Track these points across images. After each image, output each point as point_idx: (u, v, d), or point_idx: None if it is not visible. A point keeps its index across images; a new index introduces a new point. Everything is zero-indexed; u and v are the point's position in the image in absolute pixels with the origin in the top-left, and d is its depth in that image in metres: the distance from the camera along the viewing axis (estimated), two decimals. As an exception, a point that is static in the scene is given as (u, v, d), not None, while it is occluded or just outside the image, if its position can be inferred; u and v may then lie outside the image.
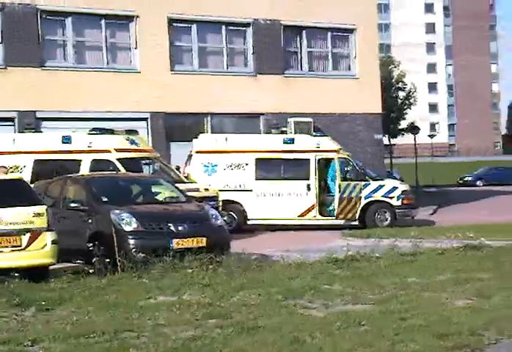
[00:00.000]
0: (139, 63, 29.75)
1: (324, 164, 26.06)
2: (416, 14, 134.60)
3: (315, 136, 26.69)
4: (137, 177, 18.11)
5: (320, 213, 25.52)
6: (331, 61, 33.56)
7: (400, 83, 59.23)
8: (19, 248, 13.09)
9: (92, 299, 10.92)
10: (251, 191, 25.46)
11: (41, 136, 23.83)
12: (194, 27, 30.96)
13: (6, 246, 13.02)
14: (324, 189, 26.02)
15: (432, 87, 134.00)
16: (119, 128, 23.78)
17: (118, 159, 21.96)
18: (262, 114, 31.70)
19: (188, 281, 12.17)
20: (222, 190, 24.20)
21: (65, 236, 14.16)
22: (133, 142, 22.92)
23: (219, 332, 8.85)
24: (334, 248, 15.18)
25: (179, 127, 30.19)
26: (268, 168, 25.70)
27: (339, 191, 25.33)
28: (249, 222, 25.52)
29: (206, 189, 22.40)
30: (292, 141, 26.06)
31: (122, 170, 21.03)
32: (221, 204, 22.24)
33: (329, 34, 33.45)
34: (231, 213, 24.65)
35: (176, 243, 14.04)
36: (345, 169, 25.72)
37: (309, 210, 25.44)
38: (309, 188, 25.46)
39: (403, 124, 59.16)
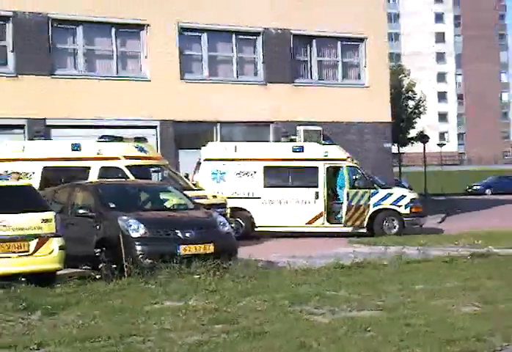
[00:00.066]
0: (149, 71, 29.82)
1: (333, 172, 26.07)
2: (426, 23, 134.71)
3: (323, 144, 26.72)
4: (145, 184, 18.15)
5: (328, 221, 25.53)
6: (340, 70, 33.59)
7: (410, 92, 59.21)
8: (26, 253, 13.12)
9: (98, 304, 10.95)
10: (259, 198, 25.48)
11: (50, 144, 23.93)
12: (205, 36, 31.03)
13: (14, 252, 13.05)
14: (332, 197, 26.02)
15: (442, 96, 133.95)
16: (129, 136, 23.84)
17: (127, 166, 22.02)
18: (272, 123, 31.74)
19: (195, 286, 12.19)
20: (230, 197, 24.25)
21: (73, 242, 14.18)
22: (141, 150, 22.97)
23: (225, 337, 8.87)
24: (341, 255, 15.18)
25: (188, 135, 30.24)
26: (277, 176, 25.74)
27: (348, 199, 25.35)
28: (256, 229, 25.53)
29: (214, 196, 22.42)
30: (301, 149, 26.09)
31: (131, 177, 21.09)
32: (228, 211, 22.27)
33: (339, 43, 33.49)
34: (238, 220, 24.68)
35: (183, 249, 14.07)
36: (354, 177, 25.72)
37: (317, 218, 25.44)
38: (317, 195, 25.47)
39: (413, 133, 59.10)
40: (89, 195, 15.81)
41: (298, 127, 30.20)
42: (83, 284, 12.65)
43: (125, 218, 14.39)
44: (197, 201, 17.56)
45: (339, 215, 25.52)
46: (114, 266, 13.65)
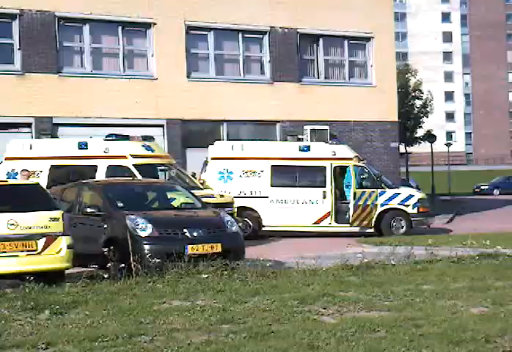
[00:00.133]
0: (156, 70, 29.84)
1: (340, 172, 26.06)
2: (433, 23, 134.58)
3: (331, 143, 26.71)
4: (153, 183, 18.15)
5: (336, 221, 25.50)
6: (347, 70, 33.56)
7: (417, 91, 59.12)
8: (35, 252, 13.11)
9: (106, 303, 10.93)
10: (266, 197, 25.47)
11: (58, 142, 23.97)
12: (211, 35, 31.03)
13: (22, 251, 13.04)
14: (340, 197, 25.99)
15: (449, 96, 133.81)
16: (136, 135, 23.85)
17: (134, 165, 22.05)
18: (279, 122, 31.73)
19: (203, 286, 12.18)
20: (238, 196, 24.27)
21: (81, 241, 14.21)
22: (149, 148, 22.99)
23: (232, 337, 8.85)
24: (349, 255, 15.15)
25: (195, 134, 30.26)
26: (284, 175, 25.72)
27: (355, 199, 25.32)
28: (263, 229, 25.52)
29: (221, 196, 22.43)
30: (308, 148, 26.08)
31: (138, 176, 21.10)
32: (236, 210, 22.27)
33: (346, 42, 33.47)
34: (246, 219, 24.69)
35: (191, 249, 14.06)
36: (361, 176, 25.71)
37: (324, 218, 25.42)
38: (324, 195, 25.44)
39: (420, 132, 59.04)
40: (97, 194, 15.82)
41: (305, 127, 30.31)
42: (92, 283, 12.64)
43: (132, 217, 14.40)
44: (205, 200, 17.55)
45: (346, 215, 25.50)
46: (122, 265, 13.64)
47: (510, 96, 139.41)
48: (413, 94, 58.54)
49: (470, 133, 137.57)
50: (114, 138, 22.94)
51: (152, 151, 23.05)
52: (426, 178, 53.39)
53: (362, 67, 33.96)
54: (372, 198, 25.55)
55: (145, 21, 29.67)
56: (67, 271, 13.78)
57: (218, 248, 14.26)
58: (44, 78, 27.87)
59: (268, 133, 31.44)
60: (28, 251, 13.07)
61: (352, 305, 10.80)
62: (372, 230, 25.69)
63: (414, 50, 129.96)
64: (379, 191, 25.68)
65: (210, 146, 26.40)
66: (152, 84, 29.70)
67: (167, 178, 22.92)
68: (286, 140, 28.89)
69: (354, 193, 25.33)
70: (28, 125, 27.66)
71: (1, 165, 22.90)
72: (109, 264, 13.99)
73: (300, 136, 29.24)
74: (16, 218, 13.08)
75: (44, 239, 13.19)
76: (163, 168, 23.33)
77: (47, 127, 27.43)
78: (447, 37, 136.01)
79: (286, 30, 32.06)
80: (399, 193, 26.03)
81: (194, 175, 24.81)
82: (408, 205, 25.80)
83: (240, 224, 18.76)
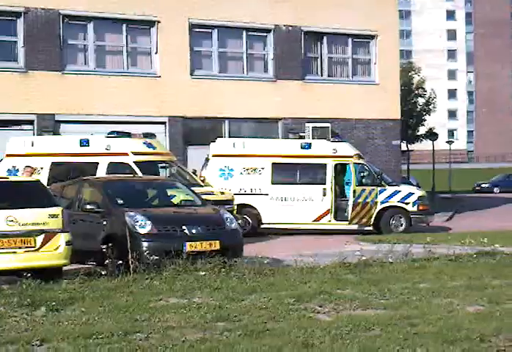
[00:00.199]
0: (159, 68, 29.84)
1: (341, 169, 26.05)
2: (437, 20, 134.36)
3: (332, 141, 26.71)
4: (153, 180, 18.17)
5: (335, 218, 25.51)
6: (351, 67, 33.53)
7: (420, 89, 59.03)
8: (33, 249, 13.15)
9: (103, 300, 10.96)
10: (266, 195, 25.49)
11: (59, 139, 23.99)
12: (215, 32, 31.03)
13: (20, 247, 13.08)
14: (340, 194, 26.00)
15: (452, 94, 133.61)
16: (137, 132, 23.87)
17: (135, 162, 22.06)
18: (281, 119, 31.73)
19: (200, 284, 12.20)
20: (238, 194, 24.29)
21: (79, 237, 14.24)
22: (150, 146, 23.00)
23: (227, 335, 8.87)
24: (347, 253, 15.16)
25: (197, 131, 30.27)
26: (285, 172, 25.71)
27: (354, 196, 25.32)
28: (263, 226, 25.55)
29: (222, 193, 22.45)
30: (309, 146, 26.08)
31: (139, 173, 21.11)
32: (236, 207, 22.29)
33: (350, 40, 33.42)
34: (245, 216, 24.70)
35: (189, 246, 14.09)
36: (361, 174, 25.70)
37: (324, 215, 25.43)
38: (324, 193, 25.44)
39: (422, 130, 59.00)
40: (96, 191, 15.85)
41: (306, 124, 30.30)
42: (89, 280, 12.67)
43: (132, 214, 14.43)
44: (204, 197, 17.57)
45: (346, 213, 25.51)
46: (120, 262, 13.68)
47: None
48: (416, 92, 58.44)
49: (472, 131, 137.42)
50: (115, 135, 22.95)
51: (154, 148, 23.06)
52: (427, 176, 53.34)
53: (366, 65, 33.93)
54: (372, 195, 25.57)
55: (149, 19, 29.66)
56: (64, 268, 13.81)
57: (216, 245, 14.28)
58: (47, 76, 27.90)
59: (270, 130, 31.44)
60: (26, 247, 13.11)
61: (348, 303, 10.83)
62: (371, 228, 25.72)
63: (419, 48, 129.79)
64: (379, 188, 25.69)
65: (211, 143, 26.43)
66: (155, 82, 29.72)
67: (168, 175, 22.95)
68: (288, 137, 28.88)
69: (354, 191, 25.34)
70: (31, 122, 27.70)
71: (2, 162, 22.95)
72: (107, 261, 14.02)
73: (302, 134, 29.21)
74: (15, 214, 13.12)
75: (42, 236, 13.23)
76: (164, 165, 23.35)
77: (49, 125, 27.49)
78: (452, 35, 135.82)
79: (290, 28, 32.04)
80: (399, 191, 26.03)
81: (194, 172, 24.81)
82: (408, 203, 25.81)
83: (240, 221, 18.78)
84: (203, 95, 30.11)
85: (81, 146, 22.73)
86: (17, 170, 21.83)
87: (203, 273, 12.93)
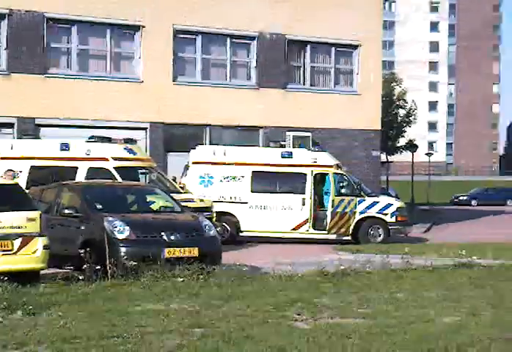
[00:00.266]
0: (142, 73, 29.82)
1: (320, 179, 26.11)
2: (421, 32, 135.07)
3: (312, 150, 26.75)
4: (132, 186, 18.15)
5: (314, 228, 25.54)
6: (333, 77, 33.59)
7: (401, 100, 59.27)
8: (10, 252, 13.10)
9: (80, 305, 10.93)
10: (246, 203, 25.49)
11: (39, 143, 23.88)
12: (199, 39, 31.04)
13: (-2, 250, 13.03)
14: (319, 204, 26.05)
15: (432, 106, 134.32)
16: (118, 137, 23.81)
17: (115, 168, 21.99)
18: (262, 128, 31.75)
19: (178, 290, 12.19)
20: (217, 201, 24.30)
21: (57, 242, 14.20)
22: (130, 151, 22.94)
23: (205, 342, 8.86)
24: (325, 262, 15.20)
25: (177, 137, 30.23)
26: (265, 181, 25.72)
27: (333, 206, 25.37)
28: (242, 234, 25.55)
29: (201, 200, 22.44)
30: (290, 155, 26.11)
31: (119, 179, 21.07)
32: (214, 215, 22.30)
33: (333, 49, 33.50)
34: (224, 224, 24.71)
35: (168, 252, 14.07)
36: (340, 184, 25.74)
37: (302, 224, 25.45)
38: (304, 202, 25.48)
39: (402, 141, 59.22)
40: (75, 195, 15.81)
41: (287, 133, 30.33)
42: (67, 284, 12.63)
43: (110, 219, 14.40)
44: (184, 204, 17.56)
45: (324, 223, 25.54)
46: (98, 267, 13.64)
47: (494, 108, 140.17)
48: (397, 104, 58.67)
49: (451, 143, 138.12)
50: (96, 140, 22.89)
51: (134, 154, 23.01)
52: (406, 187, 53.55)
53: (348, 75, 34.02)
54: (351, 206, 25.63)
55: (134, 24, 29.64)
56: (42, 272, 13.76)
57: (195, 252, 14.28)
58: (30, 79, 27.80)
59: (251, 138, 31.44)
60: (3, 250, 13.05)
61: (326, 312, 10.85)
62: (349, 238, 25.78)
63: (401, 59, 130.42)
64: (358, 199, 25.76)
65: (192, 150, 26.41)
66: (137, 87, 29.67)
67: (148, 181, 22.91)
68: (269, 146, 28.90)
69: (333, 201, 25.39)
70: (11, 125, 27.58)
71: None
72: (85, 266, 13.97)
73: (282, 143, 29.25)
74: (-7, 217, 13.06)
75: (20, 239, 13.18)
76: (144, 171, 23.30)
77: (29, 128, 27.35)
78: (434, 46, 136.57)
79: (274, 36, 32.11)
80: (378, 202, 26.11)
81: (174, 179, 24.80)
82: (386, 214, 25.90)
83: (219, 229, 18.80)
84: (185, 102, 30.11)
85: (61, 150, 22.62)
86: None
87: (181, 279, 12.92)
